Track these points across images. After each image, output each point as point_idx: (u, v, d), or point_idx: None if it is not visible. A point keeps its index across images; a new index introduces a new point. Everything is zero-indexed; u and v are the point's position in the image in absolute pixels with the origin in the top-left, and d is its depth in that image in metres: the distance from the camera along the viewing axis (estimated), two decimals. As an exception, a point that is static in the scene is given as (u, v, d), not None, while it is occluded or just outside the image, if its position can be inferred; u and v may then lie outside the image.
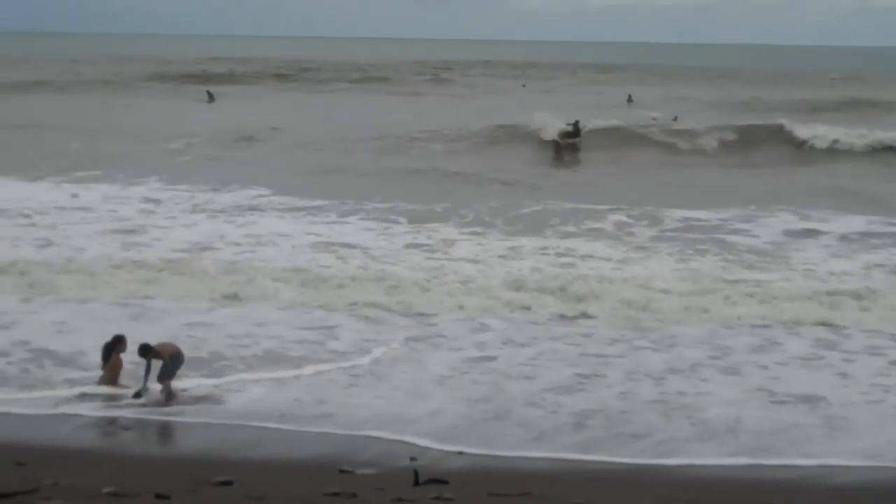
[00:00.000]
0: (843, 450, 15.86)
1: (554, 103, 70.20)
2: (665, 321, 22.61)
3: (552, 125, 53.58)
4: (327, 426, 16.58)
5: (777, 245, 30.03)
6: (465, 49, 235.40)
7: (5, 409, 17.04)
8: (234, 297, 23.93)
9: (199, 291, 24.29)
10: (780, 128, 53.94)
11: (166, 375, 17.71)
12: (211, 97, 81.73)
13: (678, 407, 17.51)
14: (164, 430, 16.68)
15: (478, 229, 31.63)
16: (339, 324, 22.26)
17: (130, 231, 30.64)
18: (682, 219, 33.43)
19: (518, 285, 24.77)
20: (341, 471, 14.48)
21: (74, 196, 36.11)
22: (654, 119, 63.36)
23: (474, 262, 27.33)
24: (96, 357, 18.42)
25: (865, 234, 31.50)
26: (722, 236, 31.04)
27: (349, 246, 28.97)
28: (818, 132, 52.92)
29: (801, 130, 53.32)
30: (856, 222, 33.15)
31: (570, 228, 31.94)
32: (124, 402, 17.44)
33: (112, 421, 16.85)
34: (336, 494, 12.82)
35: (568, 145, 51.62)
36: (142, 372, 17.66)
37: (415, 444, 15.74)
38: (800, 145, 52.18)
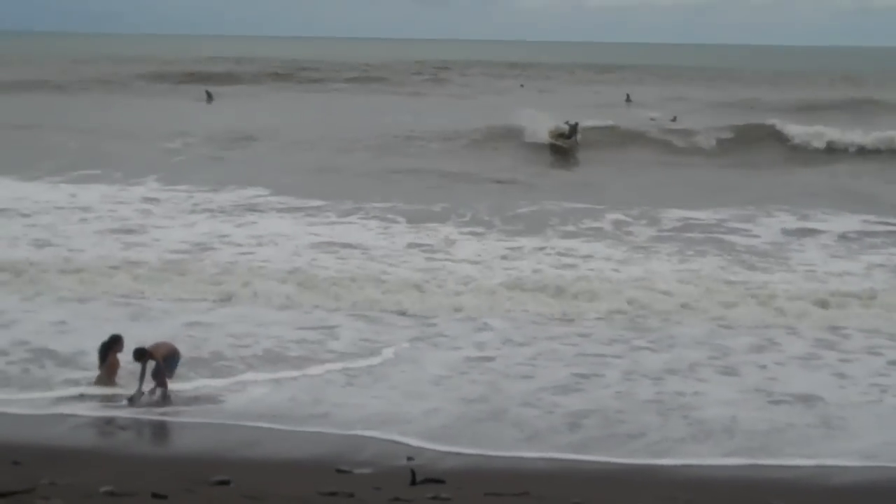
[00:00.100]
0: (840, 450, 15.86)
1: (552, 103, 70.20)
2: (665, 321, 22.60)
3: (540, 123, 53.45)
4: (324, 426, 16.58)
5: (776, 245, 30.04)
6: (464, 49, 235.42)
7: (2, 408, 17.04)
8: (233, 298, 23.91)
9: (198, 291, 24.27)
10: (778, 128, 53.91)
11: (161, 375, 17.67)
12: (210, 97, 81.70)
13: (675, 407, 17.51)
14: (161, 430, 16.68)
15: (477, 229, 31.64)
16: (339, 324, 22.24)
17: (129, 231, 30.63)
18: (681, 219, 33.45)
19: (518, 285, 24.77)
20: (338, 470, 14.48)
21: (73, 196, 36.09)
22: (652, 119, 63.37)
23: (474, 262, 27.33)
24: (95, 357, 18.40)
25: (863, 234, 31.55)
26: (721, 236, 31.06)
27: (349, 246, 28.96)
28: (815, 132, 52.92)
29: (799, 130, 53.31)
30: (854, 222, 33.19)
31: (569, 228, 31.95)
32: (122, 402, 17.44)
33: (109, 421, 16.86)
34: (333, 494, 12.83)
35: (565, 146, 51.56)
36: (139, 371, 17.65)
37: (411, 445, 15.73)
38: (797, 145, 52.19)
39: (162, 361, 17.61)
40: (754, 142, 52.77)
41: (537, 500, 13.12)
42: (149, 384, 17.63)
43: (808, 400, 17.91)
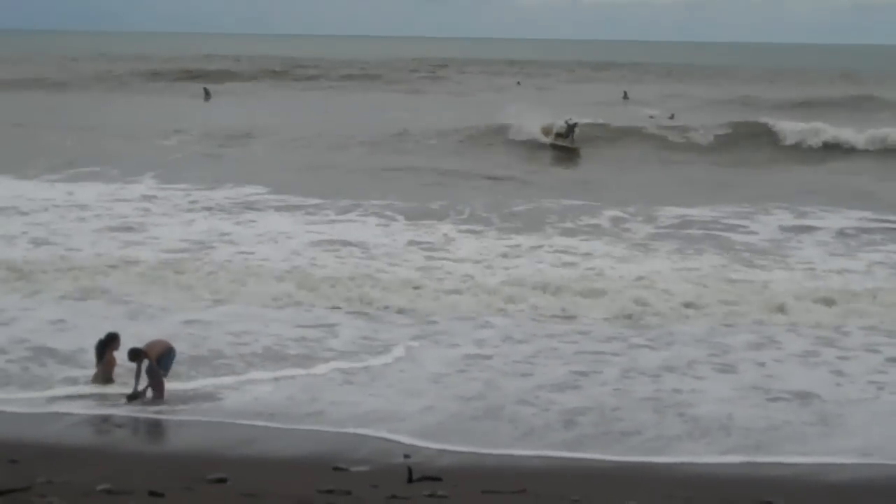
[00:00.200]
0: (837, 447, 15.87)
1: (549, 101, 70.22)
2: (664, 319, 22.58)
3: (528, 121, 53.41)
4: (321, 424, 16.58)
5: (774, 242, 30.05)
6: (462, 47, 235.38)
7: (0, 407, 17.03)
8: (232, 296, 23.86)
9: (197, 289, 24.24)
10: (775, 126, 53.89)
11: (155, 374, 17.63)
12: (207, 94, 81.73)
13: (672, 404, 17.51)
14: (159, 428, 16.67)
15: (475, 227, 31.62)
16: (339, 322, 22.23)
17: (127, 229, 30.59)
18: (680, 216, 33.45)
19: (518, 283, 24.75)
20: (336, 468, 14.48)
21: (70, 194, 36.06)
22: (651, 117, 63.40)
23: (473, 260, 27.31)
24: (93, 355, 18.39)
25: (861, 231, 31.55)
26: (719, 234, 31.08)
27: (348, 244, 28.92)
28: (812, 129, 52.91)
29: (796, 128, 53.30)
30: (852, 219, 33.20)
31: (567, 226, 31.94)
32: (119, 400, 17.43)
33: (106, 418, 16.85)
34: (330, 492, 12.82)
35: (569, 146, 51.50)
36: (143, 375, 17.64)
37: (408, 442, 15.73)
38: (794, 143, 52.17)
39: (155, 360, 17.56)
40: (751, 139, 52.81)
41: (535, 498, 13.12)
42: (145, 382, 17.62)
43: (805, 397, 17.91)
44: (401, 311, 22.95)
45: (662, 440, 16.05)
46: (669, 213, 33.81)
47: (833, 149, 51.34)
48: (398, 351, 20.25)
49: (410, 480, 13.72)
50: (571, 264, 26.97)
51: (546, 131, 52.81)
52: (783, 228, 31.98)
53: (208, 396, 17.73)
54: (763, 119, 55.91)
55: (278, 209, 34.11)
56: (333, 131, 55.10)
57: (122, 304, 23.19)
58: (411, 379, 18.73)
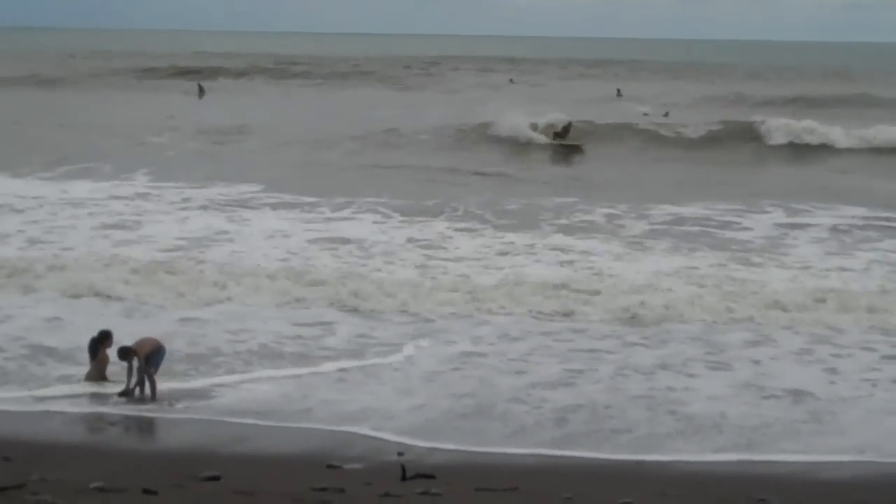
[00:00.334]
0: (830, 445, 15.91)
1: (541, 98, 70.26)
2: (660, 317, 22.56)
3: (512, 119, 53.41)
4: (315, 422, 16.58)
5: (769, 240, 30.07)
6: (456, 44, 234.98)
7: (-6, 405, 17.03)
8: (227, 294, 23.81)
9: (192, 287, 24.19)
10: (768, 123, 53.90)
11: (144, 372, 17.61)
12: (201, 91, 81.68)
13: (665, 402, 17.54)
14: (152, 426, 16.66)
15: (470, 225, 31.57)
16: (336, 320, 22.20)
17: (122, 227, 30.51)
18: (674, 214, 33.44)
19: (514, 282, 24.74)
20: (329, 466, 14.49)
21: (64, 192, 36.01)
22: (645, 114, 63.42)
23: (470, 258, 27.26)
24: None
25: (857, 229, 31.59)
26: (713, 231, 31.10)
27: (344, 242, 28.85)
28: (805, 128, 52.95)
29: (788, 126, 53.30)
30: (845, 216, 33.24)
31: (563, 224, 31.87)
32: (112, 398, 17.43)
33: (99, 416, 16.86)
34: (324, 489, 12.83)
35: (574, 144, 51.50)
36: (135, 373, 17.64)
37: (401, 440, 15.74)
38: (788, 141, 52.20)
39: (144, 359, 17.53)
40: (745, 137, 52.82)
41: (527, 496, 13.13)
42: (136, 379, 17.63)
43: (799, 395, 17.94)
44: (397, 310, 22.90)
45: (654, 438, 16.07)
46: (663, 211, 33.81)
47: (825, 146, 51.41)
48: (408, 350, 20.25)
49: (404, 478, 13.73)
50: (568, 262, 26.94)
51: (545, 131, 52.78)
52: (777, 226, 32.00)
53: (202, 394, 17.73)
54: (756, 117, 55.89)
55: (273, 207, 34.04)
56: (326, 128, 55.05)
57: (117, 302, 23.17)
58: (406, 377, 18.74)
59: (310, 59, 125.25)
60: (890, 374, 19.22)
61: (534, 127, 53.04)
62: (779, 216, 33.42)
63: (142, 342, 17.88)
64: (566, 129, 52.50)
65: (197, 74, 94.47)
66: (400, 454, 15.05)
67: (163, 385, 17.71)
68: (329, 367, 19.20)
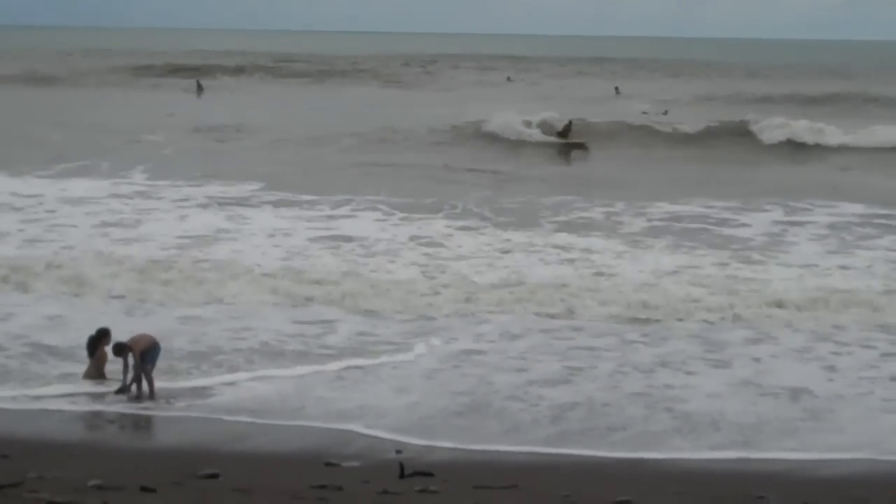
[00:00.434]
0: (828, 443, 15.92)
1: (539, 96, 70.30)
2: (660, 315, 22.53)
3: (504, 118, 53.41)
4: (313, 420, 16.58)
5: (769, 237, 30.07)
6: (454, 43, 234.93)
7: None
8: (227, 292, 23.77)
9: (192, 285, 24.17)
10: (767, 122, 53.93)
11: (140, 369, 17.61)
12: (200, 88, 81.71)
13: (662, 399, 17.55)
14: (150, 424, 16.65)
15: (470, 223, 31.50)
16: (337, 318, 22.17)
17: (121, 225, 30.46)
18: (672, 212, 33.39)
19: (515, 280, 24.72)
20: (327, 464, 14.49)
21: (63, 190, 35.97)
22: (644, 113, 63.40)
23: (471, 256, 27.23)
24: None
25: (854, 225, 31.58)
26: (712, 229, 31.06)
27: (345, 240, 28.79)
28: (805, 126, 52.98)
29: (786, 124, 53.33)
30: (845, 214, 33.25)
31: (562, 222, 31.79)
32: (110, 396, 17.43)
33: (97, 414, 16.86)
34: (322, 487, 12.83)
35: (579, 142, 51.48)
36: (132, 369, 17.65)
37: (400, 438, 15.74)
38: (784, 139, 52.19)
39: (139, 355, 17.52)
40: (743, 135, 52.82)
41: (526, 493, 13.14)
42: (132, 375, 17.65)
43: (798, 393, 17.93)
44: (398, 308, 22.86)
45: (651, 436, 16.08)
46: (662, 209, 33.77)
47: (823, 144, 51.43)
48: (420, 348, 20.22)
49: (402, 476, 13.73)
50: (569, 260, 26.91)
51: (545, 128, 52.74)
52: (777, 223, 32.00)
53: (201, 392, 17.73)
54: (754, 115, 55.89)
55: (273, 205, 33.99)
56: (324, 126, 55.04)
57: (117, 301, 23.16)
58: (406, 375, 18.74)
59: (309, 57, 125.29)
60: (889, 372, 19.23)
61: (528, 124, 53.00)
62: (778, 214, 33.42)
63: (137, 339, 17.88)
64: (567, 127, 52.45)
65: (195, 72, 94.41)
66: (398, 452, 15.06)
67: (162, 383, 17.71)
68: (337, 365, 19.17)
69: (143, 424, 16.63)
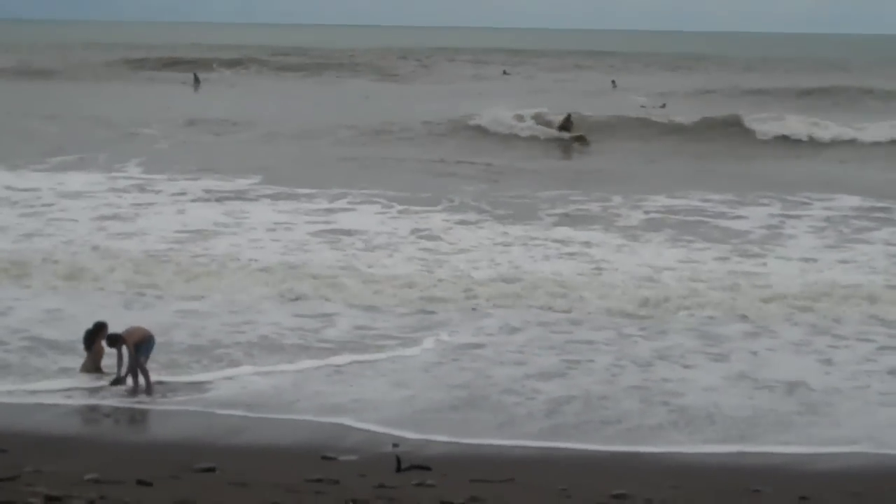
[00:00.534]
0: (825, 436, 15.92)
1: (535, 89, 70.26)
2: (659, 309, 22.50)
3: (496, 113, 53.41)
4: (310, 414, 16.57)
5: (767, 229, 30.12)
6: (452, 36, 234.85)
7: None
8: (229, 285, 23.73)
9: (192, 279, 24.14)
10: (765, 116, 53.91)
11: (133, 360, 17.59)
12: (196, 80, 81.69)
13: (658, 393, 17.54)
14: (147, 418, 16.64)
15: (468, 217, 31.47)
16: (337, 312, 22.13)
17: (119, 219, 30.46)
18: (672, 205, 33.34)
19: (514, 273, 24.71)
20: (324, 457, 14.48)
21: (60, 184, 35.93)
22: (642, 106, 63.36)
23: (471, 250, 27.23)
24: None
25: (851, 218, 31.60)
26: (712, 222, 31.05)
27: (345, 234, 28.82)
28: (800, 120, 52.98)
29: (786, 118, 53.32)
30: (843, 207, 33.27)
31: (561, 216, 31.76)
32: (106, 389, 17.42)
33: (94, 408, 16.85)
34: (319, 481, 12.83)
35: (582, 136, 51.46)
36: (126, 361, 17.63)
37: (396, 432, 15.73)
38: (783, 133, 52.15)
39: (133, 347, 17.52)
40: (740, 129, 52.74)
41: (522, 487, 13.13)
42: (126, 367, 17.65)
43: (795, 386, 17.93)
44: (398, 302, 22.83)
45: (646, 429, 16.07)
46: (660, 203, 33.72)
47: (819, 138, 51.38)
48: (428, 343, 20.20)
49: (399, 469, 13.72)
50: (568, 254, 26.91)
51: (543, 124, 52.70)
52: (775, 216, 32.00)
53: (198, 386, 17.72)
54: (751, 109, 55.89)
55: (272, 198, 33.94)
56: (320, 120, 55.01)
57: (117, 294, 23.14)
58: (404, 369, 18.73)
59: (305, 51, 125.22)
60: (886, 366, 19.22)
61: (520, 118, 52.90)
62: (776, 207, 33.41)
63: (132, 331, 17.88)
64: (567, 120, 52.36)
65: (192, 65, 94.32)
66: (395, 446, 15.05)
67: (160, 376, 17.70)
68: (335, 359, 19.13)
69: (139, 418, 16.63)
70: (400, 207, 32.56)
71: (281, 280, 24.04)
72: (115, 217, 30.67)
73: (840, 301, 22.92)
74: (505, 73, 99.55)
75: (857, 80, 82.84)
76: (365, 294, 23.23)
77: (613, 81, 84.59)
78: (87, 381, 17.77)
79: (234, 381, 17.98)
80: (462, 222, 30.67)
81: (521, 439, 15.62)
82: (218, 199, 33.69)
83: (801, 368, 18.95)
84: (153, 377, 17.60)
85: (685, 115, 55.76)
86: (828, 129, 51.96)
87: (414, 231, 29.33)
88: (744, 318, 21.98)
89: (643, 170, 42.84)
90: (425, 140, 50.37)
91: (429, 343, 20.15)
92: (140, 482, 12.20)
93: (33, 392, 17.24)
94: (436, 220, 30.88)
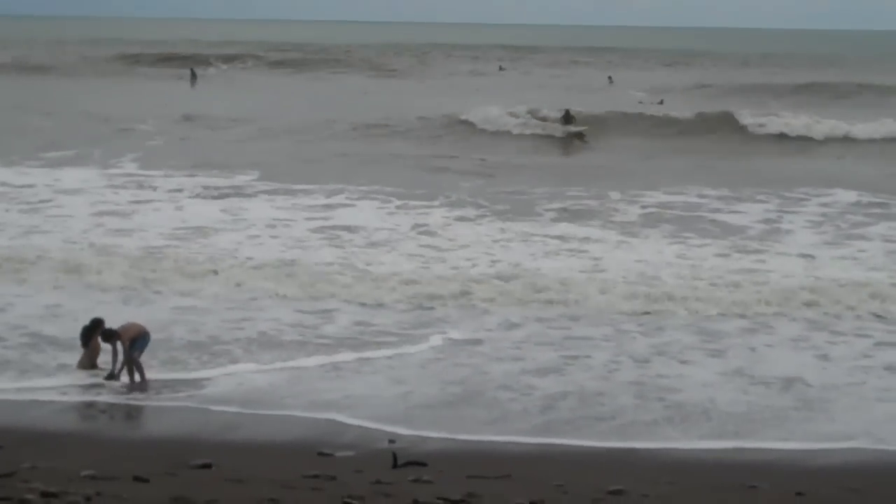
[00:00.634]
0: (822, 432, 15.94)
1: (532, 85, 70.19)
2: (657, 305, 22.50)
3: (490, 111, 53.40)
4: (306, 410, 16.56)
5: (765, 224, 30.15)
6: (449, 32, 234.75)
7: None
8: (224, 282, 23.71)
9: (191, 275, 24.11)
10: (763, 112, 53.93)
11: (128, 356, 17.59)
12: (193, 76, 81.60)
13: (654, 389, 17.56)
14: (143, 414, 16.65)
15: (466, 213, 31.46)
16: (336, 308, 22.14)
17: (117, 215, 30.45)
18: (670, 202, 33.35)
19: (512, 269, 24.70)
20: (320, 453, 14.49)
21: (57, 180, 35.87)
22: (640, 102, 63.33)
23: (470, 247, 27.20)
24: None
25: (849, 214, 31.64)
26: (710, 218, 31.08)
27: (344, 230, 28.79)
28: (798, 117, 53.00)
29: (784, 115, 53.34)
30: (840, 203, 33.29)
31: (558, 213, 31.72)
32: (102, 385, 17.42)
33: (90, 404, 16.87)
34: (315, 477, 12.81)
35: (576, 132, 51.45)
36: (120, 357, 17.63)
37: (392, 428, 15.73)
38: (781, 130, 52.16)
39: (128, 343, 17.53)
40: (737, 125, 52.75)
41: (519, 483, 13.12)
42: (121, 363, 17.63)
43: (791, 382, 17.94)
44: (397, 298, 22.81)
45: (642, 425, 16.08)
46: (658, 199, 33.72)
47: (816, 135, 51.40)
48: (435, 340, 20.18)
49: (395, 466, 13.72)
50: (566, 250, 26.91)
51: (538, 120, 52.66)
52: (772, 212, 32.01)
53: (196, 382, 17.72)
54: (747, 105, 55.88)
55: (270, 194, 33.93)
56: (317, 116, 54.96)
57: (115, 291, 23.11)
58: (403, 365, 18.74)
59: (302, 47, 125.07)
60: (882, 361, 19.25)
61: (514, 115, 52.86)
62: (773, 203, 33.42)
63: (127, 327, 17.90)
64: (567, 116, 52.30)
65: (188, 61, 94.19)
66: (391, 442, 15.05)
67: (156, 373, 17.68)
68: (334, 355, 19.13)
69: (135, 414, 16.63)
70: (398, 203, 32.57)
71: (280, 276, 24.01)
72: (112, 213, 30.64)
73: (838, 297, 22.92)
74: (501, 68, 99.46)
75: (854, 75, 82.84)
76: (364, 290, 23.22)
77: (610, 77, 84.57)
78: (83, 377, 17.77)
79: (231, 378, 17.99)
80: (460, 218, 30.66)
81: (517, 435, 15.65)
82: (217, 196, 33.64)
83: (799, 364, 18.96)
84: (151, 374, 17.59)
85: (682, 111, 55.76)
86: (824, 125, 51.98)
87: (413, 227, 29.32)
88: (742, 314, 21.98)
89: (640, 166, 42.82)
90: (422, 136, 50.35)
91: (436, 340, 20.12)
92: (136, 478, 12.18)
93: (30, 388, 17.24)
94: (434, 216, 30.86)
